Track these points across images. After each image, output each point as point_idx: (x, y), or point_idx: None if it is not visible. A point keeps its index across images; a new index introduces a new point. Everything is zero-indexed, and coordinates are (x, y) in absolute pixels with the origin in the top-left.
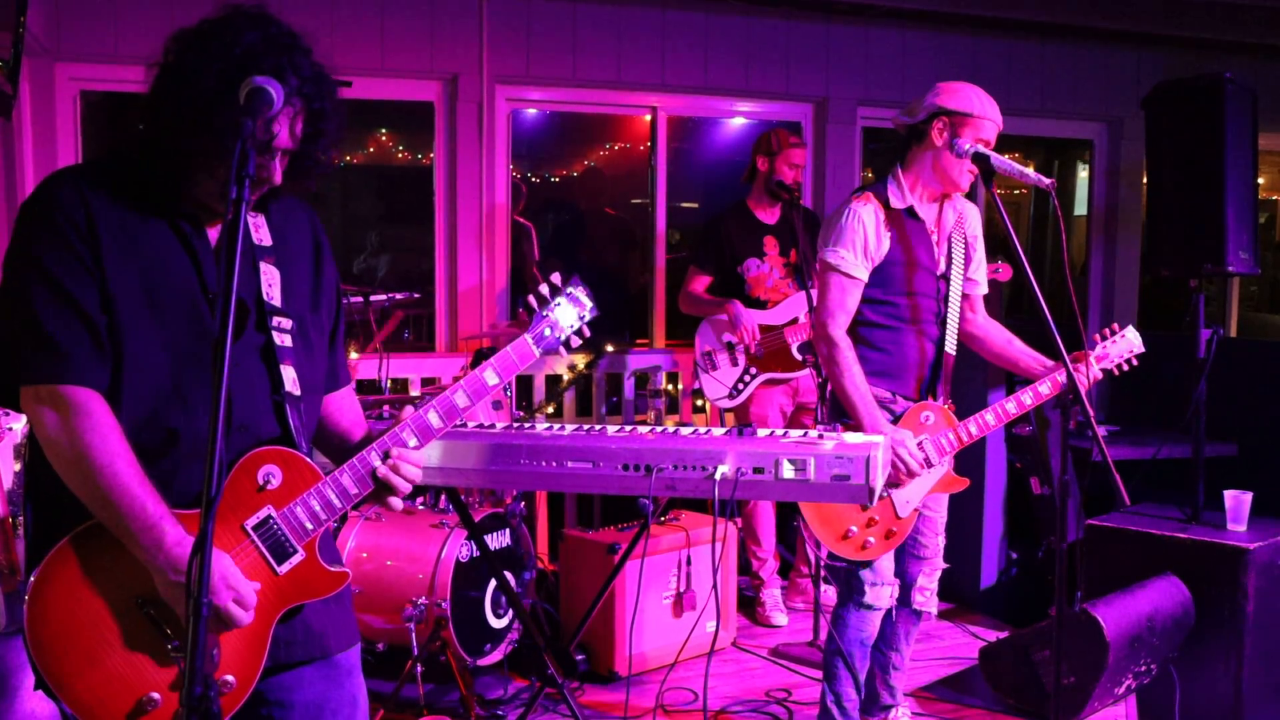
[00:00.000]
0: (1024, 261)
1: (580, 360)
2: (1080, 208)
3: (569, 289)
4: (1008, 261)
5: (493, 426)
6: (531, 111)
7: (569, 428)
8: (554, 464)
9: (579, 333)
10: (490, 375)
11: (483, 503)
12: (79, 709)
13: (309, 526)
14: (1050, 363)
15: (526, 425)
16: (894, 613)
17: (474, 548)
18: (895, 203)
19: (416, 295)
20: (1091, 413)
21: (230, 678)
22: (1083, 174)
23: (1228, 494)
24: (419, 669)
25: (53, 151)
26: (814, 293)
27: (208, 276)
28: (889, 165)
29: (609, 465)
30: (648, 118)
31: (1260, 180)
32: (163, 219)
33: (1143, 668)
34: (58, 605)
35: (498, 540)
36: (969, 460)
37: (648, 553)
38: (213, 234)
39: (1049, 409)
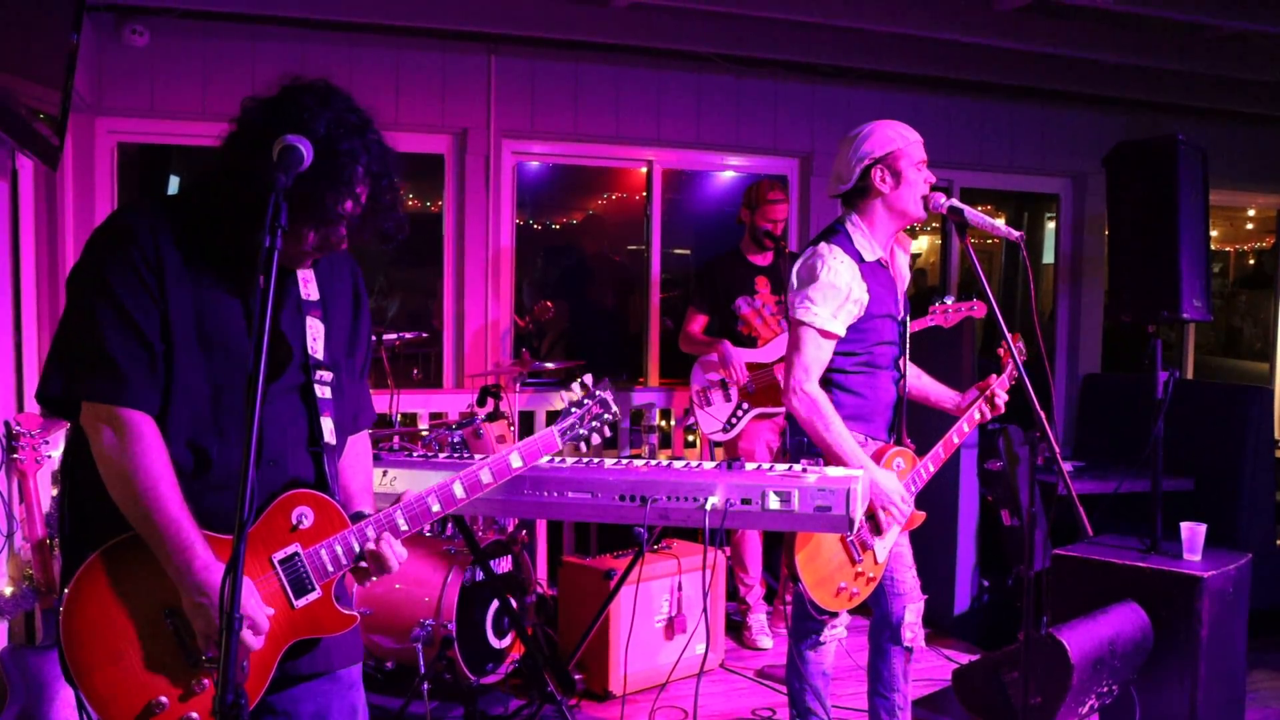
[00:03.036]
0: (994, 305)
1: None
2: (1048, 256)
3: (598, 391)
4: (981, 300)
5: None
6: (535, 164)
7: (569, 461)
8: (555, 494)
9: (599, 432)
10: (515, 458)
11: (487, 530)
12: (93, 700)
13: (329, 569)
14: (958, 395)
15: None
16: (890, 654)
17: (478, 572)
18: (868, 255)
19: (425, 335)
20: (1057, 450)
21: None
22: (1050, 225)
23: (1184, 526)
24: (425, 687)
25: (91, 199)
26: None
27: (256, 320)
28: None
29: (607, 496)
30: (644, 170)
31: (1213, 233)
32: (221, 264)
33: (1105, 688)
34: (93, 601)
35: (501, 566)
36: (944, 494)
37: (641, 579)
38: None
39: (1018, 445)
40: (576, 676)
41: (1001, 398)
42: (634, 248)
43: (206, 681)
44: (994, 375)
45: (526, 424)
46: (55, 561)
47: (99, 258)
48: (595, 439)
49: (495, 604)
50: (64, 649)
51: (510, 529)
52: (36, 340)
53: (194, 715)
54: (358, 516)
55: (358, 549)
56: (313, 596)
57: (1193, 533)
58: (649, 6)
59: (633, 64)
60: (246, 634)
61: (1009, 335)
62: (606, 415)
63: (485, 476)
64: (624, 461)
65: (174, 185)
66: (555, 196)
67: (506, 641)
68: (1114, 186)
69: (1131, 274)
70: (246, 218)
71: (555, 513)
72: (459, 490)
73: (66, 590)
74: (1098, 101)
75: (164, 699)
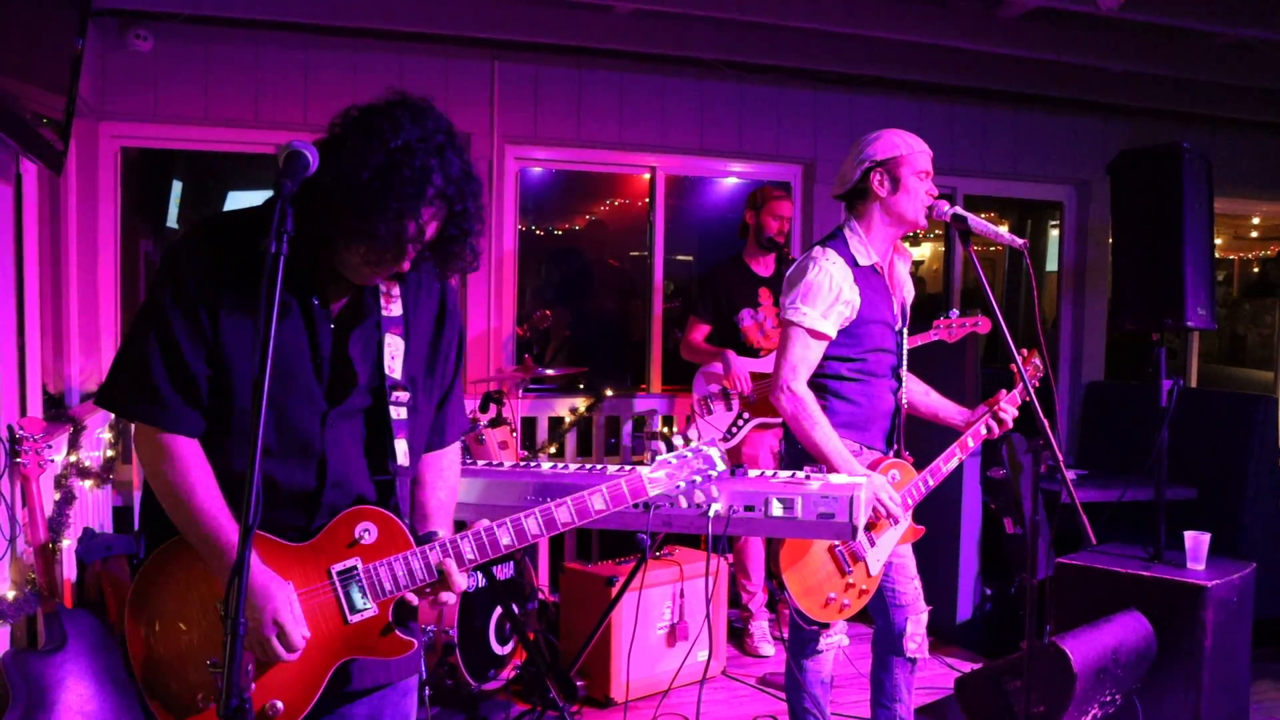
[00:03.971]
0: (999, 316)
1: (582, 404)
2: (1052, 264)
3: (701, 448)
4: (986, 315)
5: (501, 465)
6: (537, 169)
7: (572, 466)
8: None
9: (701, 488)
10: (598, 500)
11: None
12: (152, 692)
13: (387, 587)
14: (966, 411)
15: (532, 464)
16: (892, 665)
17: (480, 578)
18: (863, 260)
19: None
20: (1060, 458)
21: (279, 703)
22: (1054, 233)
23: (1188, 535)
24: (427, 693)
25: (94, 204)
26: None
27: (321, 345)
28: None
29: None
30: (647, 176)
31: (1218, 241)
32: (288, 288)
33: (1108, 698)
34: (161, 582)
35: (503, 572)
36: (947, 502)
37: (643, 585)
38: (335, 307)
39: (1021, 453)
40: (578, 683)
41: (1010, 414)
42: (637, 254)
43: (252, 683)
44: (1003, 391)
45: (529, 430)
46: (57, 566)
47: (160, 281)
48: (697, 495)
49: (497, 610)
50: (126, 640)
51: None
52: (39, 344)
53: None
54: (427, 538)
55: (420, 572)
56: (368, 614)
57: (1197, 541)
58: (652, 13)
59: (636, 70)
60: (274, 642)
61: (1021, 352)
62: (711, 471)
63: (563, 515)
64: (628, 468)
65: (177, 190)
66: (558, 202)
67: (508, 648)
68: (1118, 194)
69: (1135, 282)
70: (325, 235)
71: None
72: (532, 526)
73: (139, 573)
74: (1102, 109)
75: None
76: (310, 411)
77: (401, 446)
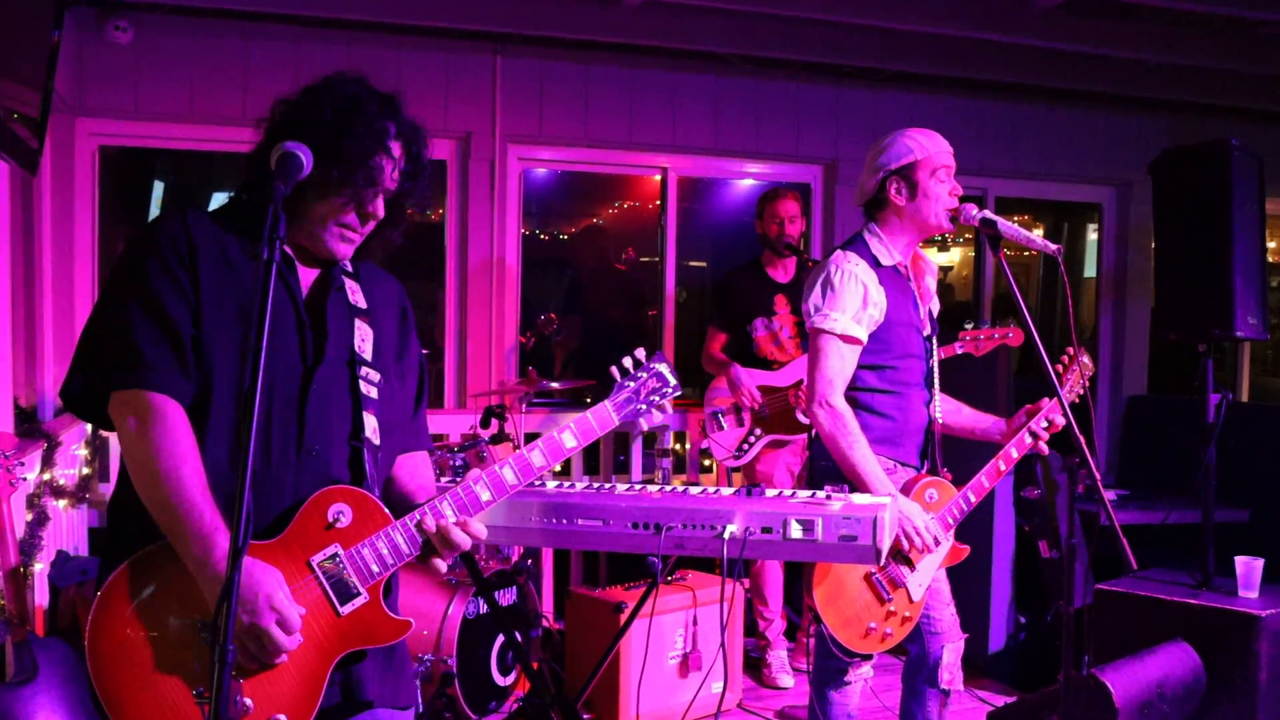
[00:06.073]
0: (1032, 327)
1: None
2: (1090, 270)
3: (652, 364)
4: (1018, 325)
5: None
6: (542, 170)
7: (579, 485)
8: (564, 521)
9: (659, 407)
10: (569, 438)
11: (490, 559)
12: (109, 705)
13: (374, 569)
14: (1003, 421)
15: (536, 483)
16: (925, 696)
17: (480, 605)
18: (884, 260)
19: (425, 351)
20: (1098, 477)
21: (283, 717)
22: (1092, 236)
23: (1239, 560)
24: None
25: (70, 204)
26: None
27: (299, 300)
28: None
29: (619, 523)
30: (658, 177)
31: (1270, 244)
32: (258, 241)
33: None
34: (120, 619)
35: (506, 597)
36: (977, 524)
37: (654, 612)
38: (305, 278)
39: (1056, 471)
40: (585, 716)
41: (1057, 420)
42: (647, 259)
43: (249, 701)
44: (1045, 399)
45: None
46: (28, 591)
47: (131, 255)
48: (655, 415)
49: (499, 638)
50: (92, 675)
51: (515, 558)
52: (10, 355)
53: None
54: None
55: (405, 546)
56: (360, 601)
57: (1249, 567)
58: (664, 4)
59: (647, 65)
60: (276, 630)
61: (1068, 350)
62: (666, 389)
63: (537, 459)
64: (637, 487)
65: (158, 191)
66: (564, 205)
67: (511, 678)
68: (1161, 195)
69: (1180, 289)
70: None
71: (564, 541)
72: (509, 475)
73: (92, 609)
74: (1143, 104)
75: None
76: (291, 369)
77: (370, 422)
